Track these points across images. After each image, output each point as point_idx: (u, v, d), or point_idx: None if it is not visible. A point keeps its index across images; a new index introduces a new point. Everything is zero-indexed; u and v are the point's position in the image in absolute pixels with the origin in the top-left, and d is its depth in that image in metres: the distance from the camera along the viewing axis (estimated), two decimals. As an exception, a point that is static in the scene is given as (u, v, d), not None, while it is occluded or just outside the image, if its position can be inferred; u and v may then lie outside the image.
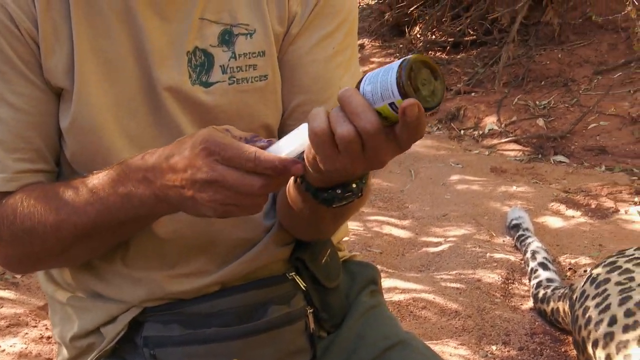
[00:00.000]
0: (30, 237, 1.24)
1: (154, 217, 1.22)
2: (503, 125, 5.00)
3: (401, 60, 0.94)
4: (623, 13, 4.51)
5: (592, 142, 4.61)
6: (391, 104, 0.95)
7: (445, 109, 5.35)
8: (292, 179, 1.18)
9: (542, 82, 5.30)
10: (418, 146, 4.82)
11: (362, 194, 1.13)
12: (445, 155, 4.68)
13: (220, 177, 1.05)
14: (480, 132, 5.06)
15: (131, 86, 1.27)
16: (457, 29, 6.04)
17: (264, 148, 1.05)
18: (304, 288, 1.40)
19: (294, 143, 1.05)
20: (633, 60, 4.94)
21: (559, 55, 5.39)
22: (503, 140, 4.87)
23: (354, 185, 1.11)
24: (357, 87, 0.98)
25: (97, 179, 1.19)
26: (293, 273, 1.41)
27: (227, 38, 1.29)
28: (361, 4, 7.69)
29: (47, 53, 1.25)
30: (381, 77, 0.96)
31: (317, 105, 1.09)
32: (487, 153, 4.75)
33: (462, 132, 5.14)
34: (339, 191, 1.11)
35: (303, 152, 1.05)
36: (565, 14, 5.54)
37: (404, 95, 0.93)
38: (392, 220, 3.66)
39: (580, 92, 5.03)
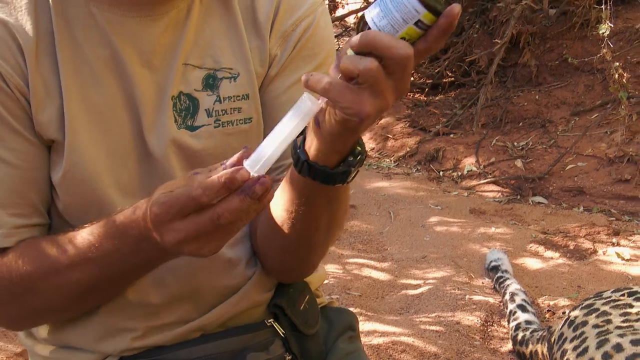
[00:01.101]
0: (31, 295, 1.24)
1: (157, 264, 1.22)
2: (482, 167, 5.03)
3: None
4: (598, 55, 4.57)
5: (570, 183, 4.63)
6: (417, 22, 0.98)
7: (424, 150, 5.38)
8: (291, 174, 1.17)
9: (520, 124, 5.34)
10: (397, 188, 4.84)
11: (365, 154, 1.14)
12: (425, 196, 4.70)
13: (189, 231, 1.05)
14: (459, 174, 5.08)
15: (122, 135, 1.28)
16: (436, 70, 6.09)
17: (241, 159, 1.04)
18: (282, 335, 1.41)
19: (277, 139, 1.05)
20: (609, 101, 4.99)
21: (537, 97, 5.45)
22: (482, 182, 4.90)
23: (358, 148, 1.12)
24: (363, 29, 1.00)
25: (94, 233, 1.19)
26: (272, 320, 1.41)
27: (211, 82, 1.31)
28: (339, 46, 7.74)
29: (37, 107, 1.25)
30: (393, 5, 0.98)
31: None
32: (466, 194, 4.76)
33: (441, 173, 5.16)
34: (351, 158, 1.11)
35: (291, 142, 1.06)
36: (542, 55, 5.61)
37: (430, 8, 0.97)
38: (372, 262, 3.66)
39: (558, 133, 5.07)
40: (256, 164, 1.04)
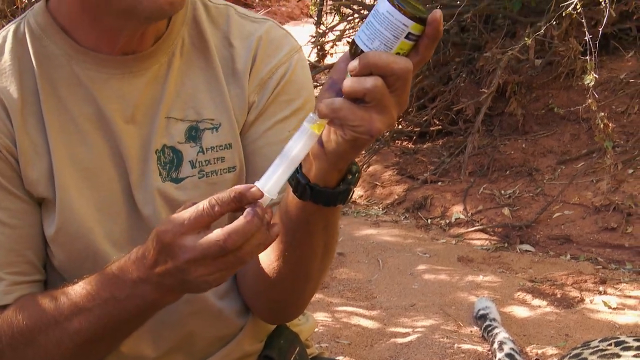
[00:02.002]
0: (32, 349, 1.25)
1: (156, 309, 1.23)
2: (469, 214, 5.06)
3: (385, 2, 1.02)
4: (584, 105, 4.63)
5: (557, 231, 4.66)
6: (407, 35, 1.02)
7: (412, 198, 5.41)
8: (287, 203, 1.19)
9: (507, 172, 5.38)
10: (385, 235, 4.85)
11: (360, 172, 1.18)
12: (413, 244, 4.71)
13: (197, 250, 1.06)
14: (447, 221, 5.11)
15: (111, 191, 1.32)
16: (423, 119, 6.14)
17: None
18: None
19: (285, 159, 1.08)
20: (595, 150, 5.04)
21: (523, 145, 5.49)
22: (470, 229, 4.92)
23: (354, 167, 1.15)
24: (358, 53, 1.04)
25: (91, 283, 1.20)
26: None
27: (193, 134, 1.34)
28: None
29: (26, 166, 1.28)
30: (380, 25, 1.03)
31: None
32: (454, 242, 4.78)
33: (429, 221, 5.18)
34: (349, 177, 1.15)
35: (295, 168, 1.09)
36: (528, 105, 5.67)
37: (416, 19, 1.01)
38: (361, 310, 3.66)
39: (545, 181, 5.11)
40: (267, 183, 1.07)
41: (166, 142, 1.33)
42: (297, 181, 1.14)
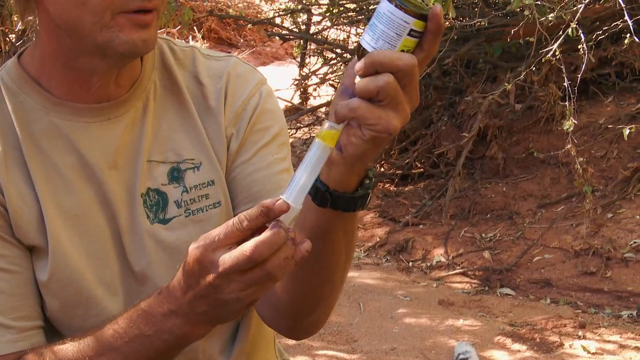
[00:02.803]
0: None
1: (184, 345, 1.22)
2: (450, 258, 5.07)
3: (385, 2, 1.03)
4: (563, 150, 4.68)
5: (537, 274, 4.69)
6: (410, 32, 1.04)
7: (394, 240, 5.43)
8: (305, 214, 1.18)
9: (488, 215, 5.41)
10: (367, 278, 4.86)
11: (377, 178, 1.21)
12: (394, 287, 4.72)
13: (227, 263, 1.06)
14: (428, 264, 5.12)
15: (100, 236, 1.34)
16: (405, 161, 6.18)
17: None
18: None
19: (307, 167, 1.09)
20: (574, 194, 5.09)
21: (504, 189, 5.54)
22: (450, 273, 4.94)
23: (370, 172, 1.16)
24: (363, 55, 1.05)
25: (118, 322, 1.20)
26: None
27: (176, 175, 1.37)
28: (311, 136, 7.83)
29: (15, 215, 1.30)
30: (383, 25, 1.04)
31: None
32: (435, 285, 4.80)
33: (410, 264, 5.20)
34: (367, 181, 1.15)
35: (315, 178, 1.10)
36: (509, 148, 5.72)
37: (417, 15, 1.03)
38: (341, 354, 3.66)
39: (525, 225, 5.15)
40: (291, 193, 1.08)
41: (150, 185, 1.36)
42: (316, 189, 1.14)
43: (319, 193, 1.15)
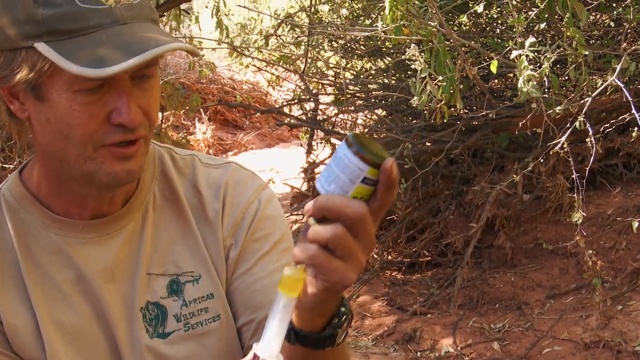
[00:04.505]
0: None
1: None
2: (459, 348, 5.02)
3: (344, 145, 1.01)
4: (572, 242, 4.67)
5: (547, 367, 4.64)
6: (364, 180, 1.01)
7: (402, 329, 5.38)
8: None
9: (497, 305, 5.38)
10: (375, 368, 4.81)
11: (352, 315, 1.17)
12: (402, 378, 4.67)
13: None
14: (437, 355, 5.07)
15: (98, 351, 1.34)
16: (413, 250, 6.18)
17: None
18: None
19: (275, 318, 1.07)
20: (583, 285, 5.06)
21: (512, 279, 5.51)
22: (459, 364, 4.89)
23: (342, 309, 1.14)
24: (315, 196, 1.03)
25: None
26: None
27: (175, 287, 1.37)
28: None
29: (11, 332, 1.32)
30: (338, 168, 1.02)
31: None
32: (443, 376, 4.74)
33: (418, 354, 5.14)
34: (336, 320, 1.14)
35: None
36: (517, 238, 5.72)
37: (372, 163, 1.00)
38: None
39: (534, 315, 5.11)
40: (266, 345, 1.06)
41: (150, 299, 1.36)
42: None
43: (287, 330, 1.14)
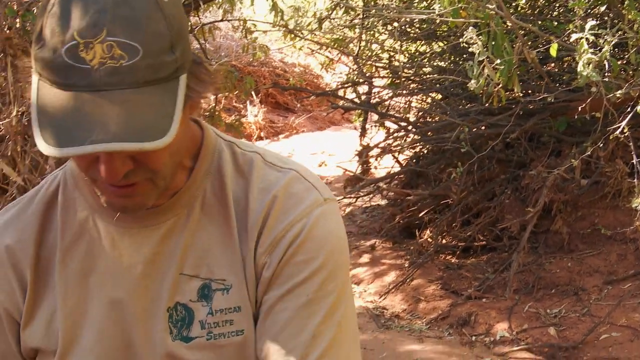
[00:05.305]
0: None
1: None
2: (514, 333, 5.00)
3: None
4: (631, 228, 4.62)
5: (604, 353, 4.59)
6: None
7: (457, 314, 5.37)
8: None
9: (553, 290, 5.34)
10: (429, 352, 4.81)
11: None
12: (457, 362, 4.67)
13: None
14: (492, 339, 5.05)
15: (115, 347, 1.32)
16: (468, 234, 6.15)
17: None
18: None
19: None
20: (642, 271, 5.01)
21: (569, 264, 5.47)
22: (515, 348, 4.86)
23: None
24: None
25: None
26: None
27: (206, 292, 1.31)
28: (371, 205, 7.86)
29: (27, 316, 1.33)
30: None
31: (283, 354, 1.19)
32: (499, 361, 4.73)
33: (473, 338, 5.13)
34: None
35: None
36: (574, 223, 5.66)
37: None
38: None
39: (591, 301, 5.07)
40: None
41: (179, 300, 1.31)
42: None
43: None
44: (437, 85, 6.74)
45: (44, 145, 1.05)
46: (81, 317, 1.31)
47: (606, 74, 4.18)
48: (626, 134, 4.34)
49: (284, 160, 1.37)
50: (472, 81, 4.09)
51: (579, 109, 4.59)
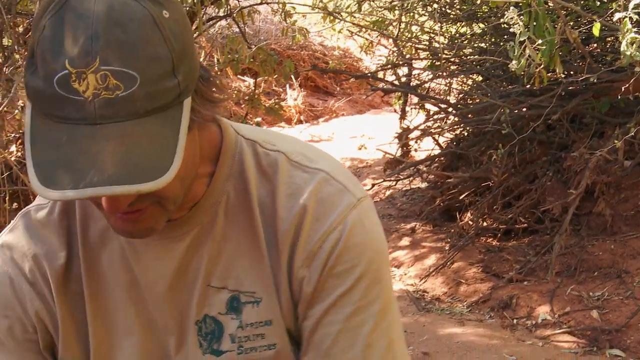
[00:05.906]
0: None
1: None
2: (556, 316, 4.97)
3: None
4: (676, 209, 4.56)
5: (648, 336, 4.55)
6: None
7: (498, 297, 5.35)
8: None
9: (595, 273, 5.29)
10: (470, 335, 4.80)
11: None
12: (498, 345, 4.65)
13: None
14: (534, 322, 5.02)
15: (145, 357, 1.31)
16: (509, 216, 6.11)
17: None
18: None
19: None
20: (687, 254, 4.94)
21: (612, 247, 5.41)
22: (557, 331, 4.83)
23: None
24: None
25: None
26: None
27: (235, 305, 1.27)
28: (411, 188, 7.84)
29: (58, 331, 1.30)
30: None
31: None
32: (540, 344, 4.70)
33: (514, 321, 5.11)
34: None
35: None
36: (617, 205, 5.60)
37: None
38: (447, 413, 3.61)
39: (635, 284, 5.01)
40: None
41: (207, 312, 1.27)
42: None
43: None
44: (478, 67, 6.68)
45: (36, 185, 0.97)
46: (111, 333, 1.29)
47: (650, 54, 4.11)
48: (671, 115, 4.27)
49: (311, 158, 1.29)
50: (513, 62, 4.05)
51: (622, 89, 4.52)
